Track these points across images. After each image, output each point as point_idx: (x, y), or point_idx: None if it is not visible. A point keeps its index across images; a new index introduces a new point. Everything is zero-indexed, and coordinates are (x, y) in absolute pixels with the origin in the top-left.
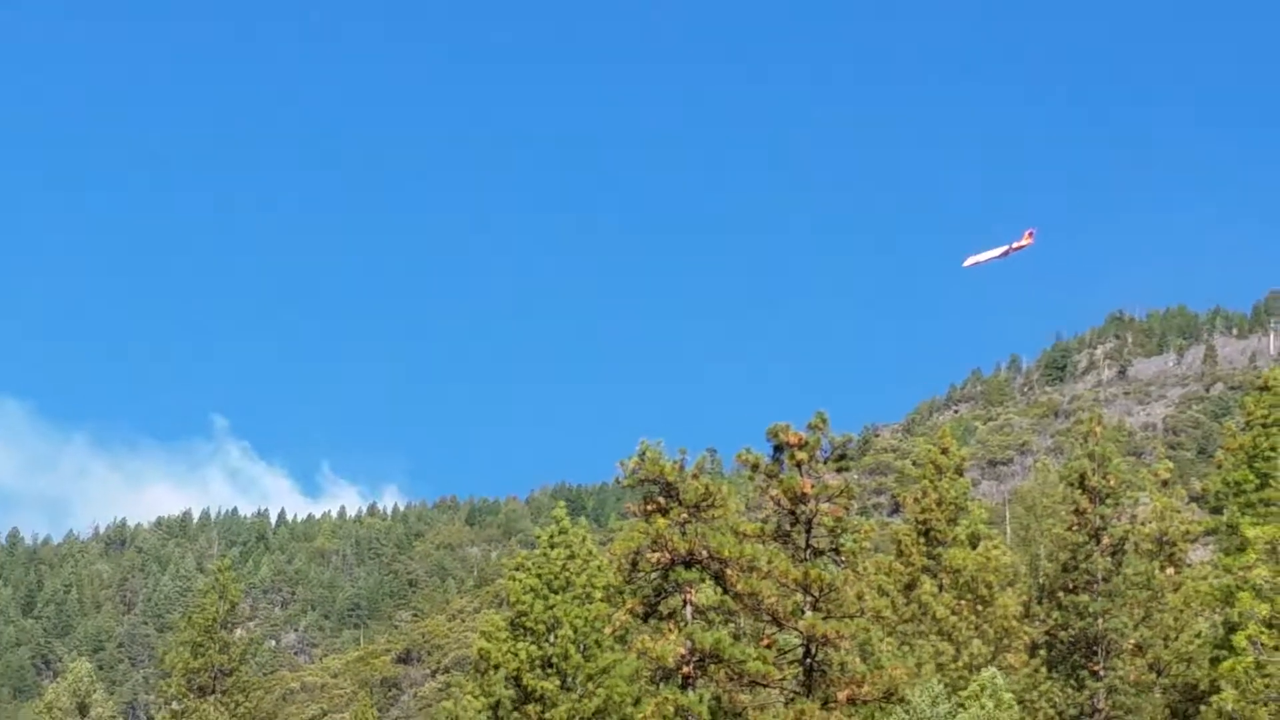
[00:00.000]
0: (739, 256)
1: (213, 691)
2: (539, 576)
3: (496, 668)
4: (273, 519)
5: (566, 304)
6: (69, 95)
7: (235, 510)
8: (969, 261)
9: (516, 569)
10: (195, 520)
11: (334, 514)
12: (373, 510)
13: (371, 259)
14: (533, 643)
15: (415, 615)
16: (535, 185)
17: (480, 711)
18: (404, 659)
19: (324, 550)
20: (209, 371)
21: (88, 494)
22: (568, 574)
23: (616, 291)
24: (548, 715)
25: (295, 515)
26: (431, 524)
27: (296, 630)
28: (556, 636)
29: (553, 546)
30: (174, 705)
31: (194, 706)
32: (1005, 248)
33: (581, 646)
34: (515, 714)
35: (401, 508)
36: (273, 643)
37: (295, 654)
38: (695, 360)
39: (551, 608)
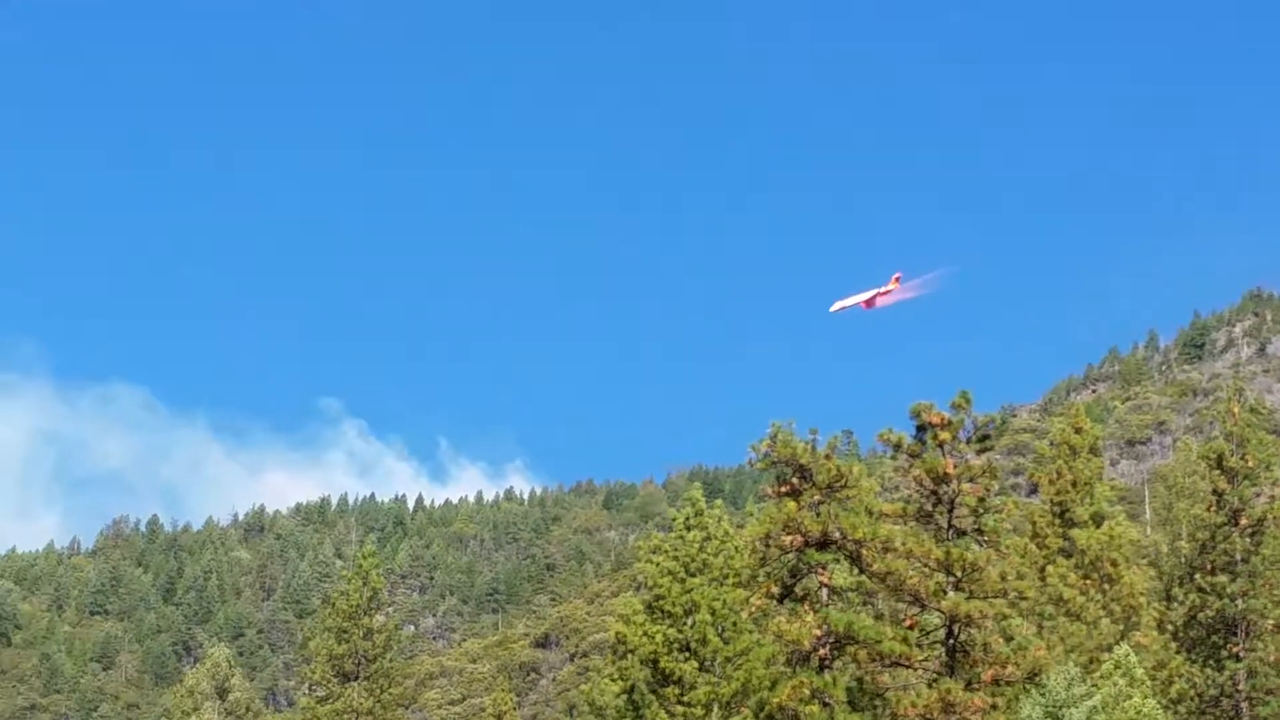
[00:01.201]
0: (873, 235)
1: (356, 677)
2: (676, 559)
3: (634, 651)
4: (410, 504)
5: (701, 284)
6: (180, 89)
7: (373, 496)
8: (835, 307)
9: (653, 552)
10: (333, 506)
11: (470, 499)
12: (509, 495)
13: (488, 240)
14: (670, 626)
15: (553, 599)
16: (663, 166)
17: (618, 695)
18: (542, 643)
19: (461, 535)
20: (316, 353)
21: (207, 480)
22: (704, 556)
23: (752, 272)
24: (686, 698)
25: (432, 501)
26: (569, 508)
27: (435, 615)
28: (694, 619)
29: (689, 529)
30: (318, 691)
31: (338, 692)
32: (872, 292)
33: (719, 629)
34: (652, 697)
35: (538, 492)
36: (411, 628)
37: (433, 639)
38: (830, 341)
39: (689, 591)
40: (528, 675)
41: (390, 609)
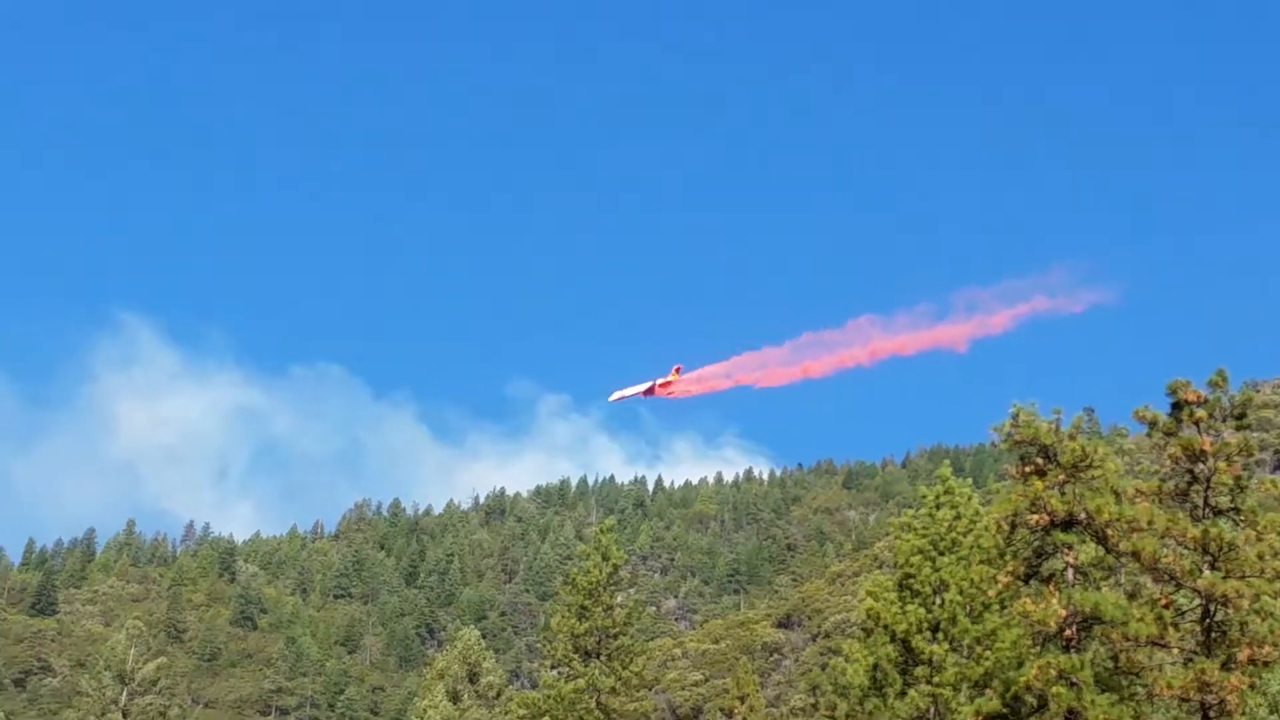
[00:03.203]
0: (1112, 213)
1: (597, 655)
2: (926, 537)
3: (884, 628)
4: (649, 486)
5: (935, 263)
6: (346, 88)
7: (612, 478)
8: (613, 397)
9: (903, 529)
10: (573, 489)
11: (710, 480)
12: (749, 475)
13: (679, 218)
14: (921, 605)
15: (794, 580)
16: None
17: (866, 672)
18: (784, 624)
19: (702, 516)
20: (502, 333)
21: (419, 463)
22: (954, 535)
23: (982, 254)
24: (936, 679)
25: (672, 482)
26: (808, 488)
27: (676, 597)
28: (944, 599)
29: (938, 507)
30: (559, 669)
31: (579, 670)
32: (649, 384)
33: (969, 609)
34: (898, 676)
35: (778, 472)
36: (653, 609)
37: (675, 620)
38: (1064, 320)
39: (939, 570)
40: (770, 656)
41: (631, 590)
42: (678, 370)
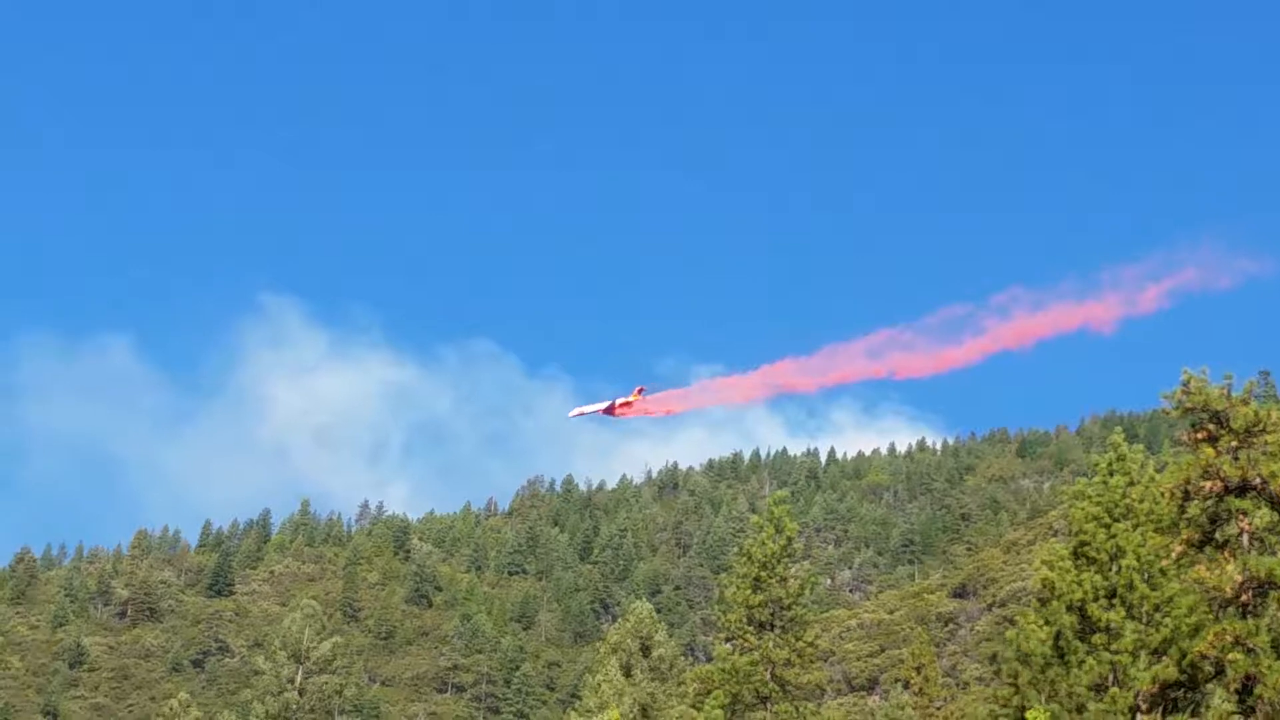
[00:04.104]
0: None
1: (772, 627)
2: (1100, 504)
3: (1060, 597)
4: (822, 457)
5: (1111, 225)
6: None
7: (784, 450)
8: (573, 413)
9: (1077, 497)
10: (745, 461)
11: (884, 450)
12: (922, 445)
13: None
14: (1097, 572)
15: (969, 549)
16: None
17: (1044, 641)
18: (959, 593)
19: (875, 487)
20: (650, 308)
21: (582, 440)
22: (1128, 502)
23: (1159, 223)
24: (1114, 646)
25: (844, 453)
26: (982, 457)
27: (851, 568)
28: (1120, 565)
29: (1112, 474)
30: (734, 642)
31: (754, 643)
32: (609, 403)
33: (1145, 576)
34: (1079, 644)
35: (950, 441)
36: (827, 581)
37: (850, 592)
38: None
39: (1114, 536)
40: (945, 625)
41: (805, 562)
42: (640, 391)
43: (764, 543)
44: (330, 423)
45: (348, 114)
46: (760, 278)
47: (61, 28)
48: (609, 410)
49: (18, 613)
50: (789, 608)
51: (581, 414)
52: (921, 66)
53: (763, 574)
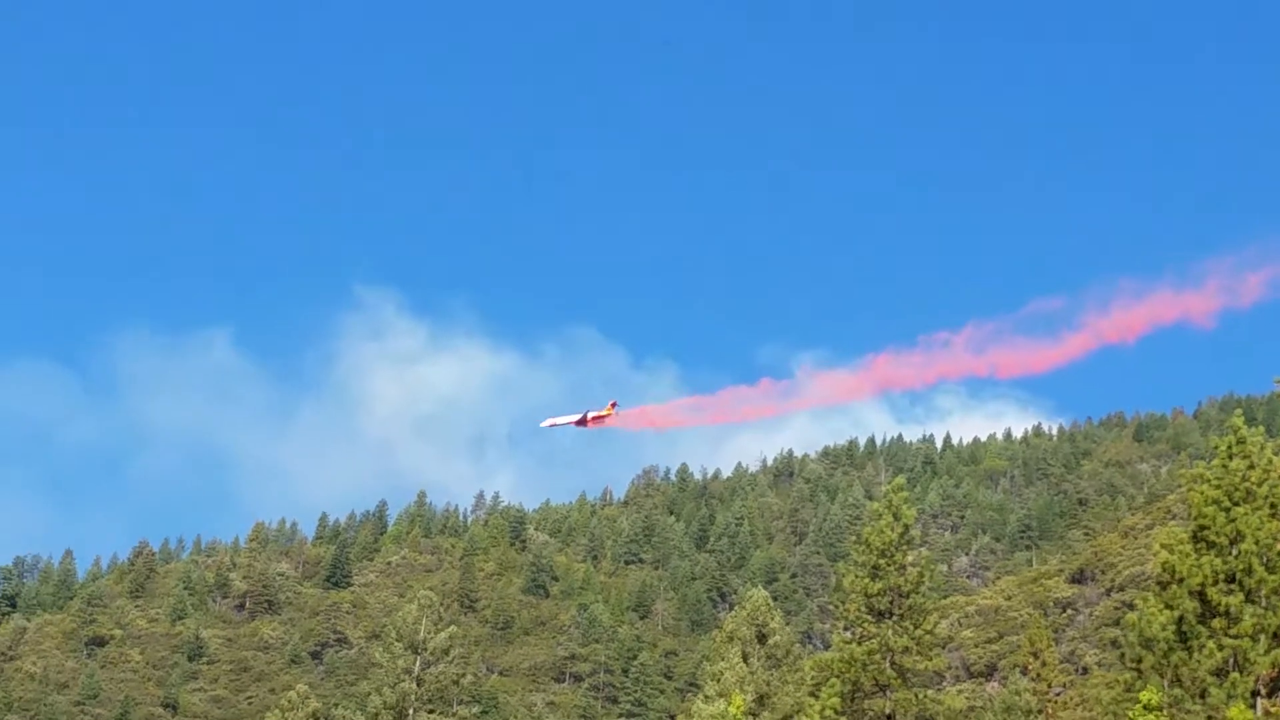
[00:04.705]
0: None
1: (891, 615)
2: (1220, 488)
3: (1181, 581)
4: (938, 443)
5: (1223, 207)
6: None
7: (900, 436)
8: (545, 423)
9: (1196, 480)
10: (861, 448)
11: (999, 436)
12: (1038, 430)
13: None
14: (1216, 556)
15: (1086, 534)
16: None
17: (1165, 626)
18: (1077, 579)
19: (991, 472)
20: (748, 294)
21: (688, 429)
22: (1248, 485)
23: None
24: (1233, 630)
25: (960, 439)
26: (1098, 441)
27: (968, 554)
28: (1239, 550)
29: (1231, 457)
30: (852, 630)
31: (872, 630)
32: (582, 414)
33: (1264, 559)
34: (1200, 628)
35: (1066, 426)
36: (944, 568)
37: (968, 578)
38: None
39: (1233, 520)
40: (1064, 611)
41: (922, 548)
42: (613, 406)
43: (882, 530)
44: (433, 414)
45: (437, 103)
46: (857, 265)
47: (162, 26)
48: (581, 422)
49: (137, 606)
50: (908, 595)
51: (554, 425)
52: (1018, 50)
53: (881, 561)
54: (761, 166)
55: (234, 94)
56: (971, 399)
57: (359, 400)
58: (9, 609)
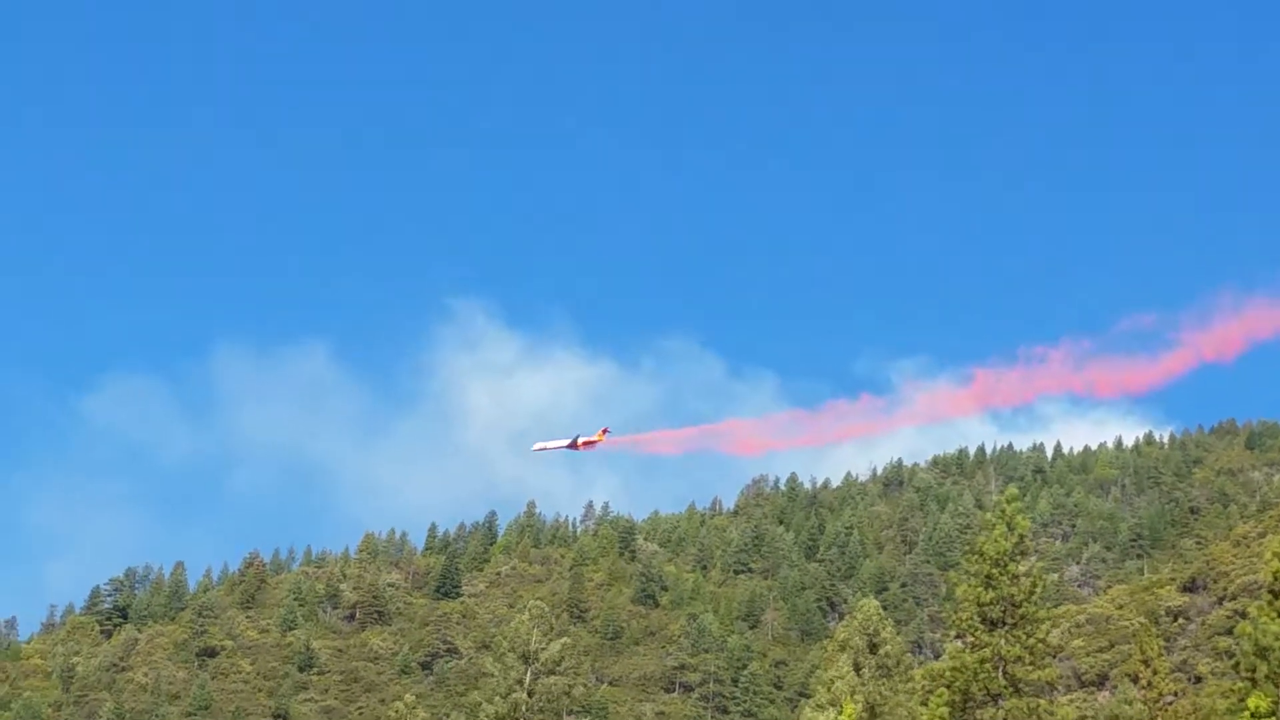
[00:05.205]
0: None
1: (1003, 624)
2: None
3: None
4: (1048, 452)
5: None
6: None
7: (1010, 445)
8: (536, 447)
9: None
10: (971, 457)
11: (1110, 444)
12: (1149, 439)
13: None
14: None
15: (1198, 543)
16: None
17: (1279, 635)
18: (1189, 587)
19: (1102, 481)
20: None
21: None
22: None
23: None
24: None
25: (1070, 448)
26: (1210, 449)
27: (1078, 563)
28: None
29: None
30: (964, 639)
31: (985, 640)
32: (572, 439)
33: None
34: None
35: (1178, 435)
36: (1054, 576)
37: (1078, 587)
38: None
39: None
40: (1175, 620)
41: (1033, 557)
42: (604, 432)
43: (995, 540)
44: (530, 426)
45: (526, 110)
46: (953, 273)
47: (268, 43)
48: (572, 445)
49: (248, 617)
50: (1021, 605)
51: (544, 449)
52: (1102, 60)
53: (994, 571)
54: (857, 175)
55: (328, 109)
56: (1074, 408)
57: (455, 412)
58: (120, 620)
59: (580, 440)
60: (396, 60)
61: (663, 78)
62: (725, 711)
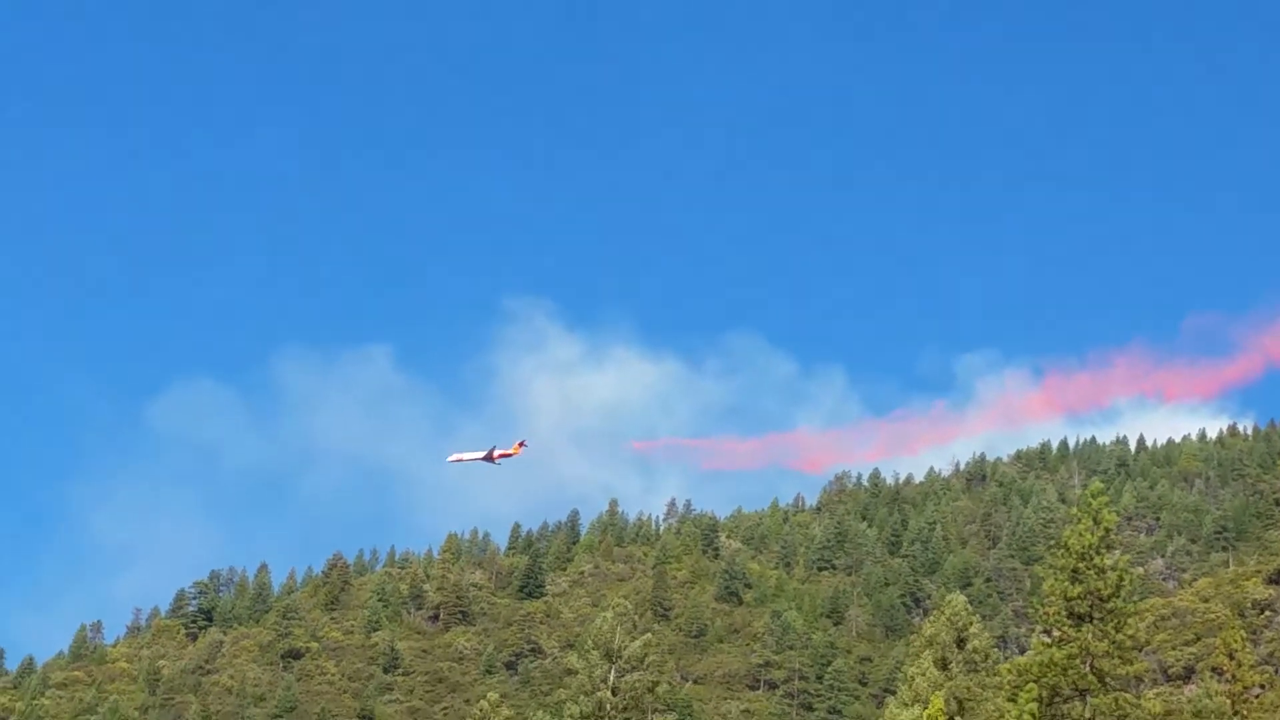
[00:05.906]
0: None
1: (1090, 619)
2: None
3: None
4: (1132, 445)
5: None
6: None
7: (1093, 439)
8: (452, 458)
9: None
10: (1054, 451)
11: (1194, 437)
12: (1233, 430)
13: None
14: None
15: None
16: None
17: None
18: (1275, 580)
19: (1186, 473)
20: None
21: (864, 437)
22: None
23: None
24: None
25: (1154, 440)
26: None
27: (1163, 556)
28: None
29: None
30: (1050, 634)
31: (1072, 634)
32: (487, 451)
33: None
34: None
35: (1261, 427)
36: (1140, 570)
37: (1163, 580)
38: None
39: None
40: (1261, 613)
41: (1118, 551)
42: (521, 445)
43: (1081, 534)
44: (595, 424)
45: (585, 111)
46: (1015, 269)
47: (324, 55)
48: (488, 458)
49: (332, 618)
50: (1108, 599)
51: (460, 460)
52: (1167, 61)
53: (1081, 565)
54: (919, 175)
55: (390, 114)
56: (1150, 399)
57: (520, 412)
58: (205, 622)
59: (496, 452)
60: (455, 64)
61: (724, 76)
62: (810, 709)
